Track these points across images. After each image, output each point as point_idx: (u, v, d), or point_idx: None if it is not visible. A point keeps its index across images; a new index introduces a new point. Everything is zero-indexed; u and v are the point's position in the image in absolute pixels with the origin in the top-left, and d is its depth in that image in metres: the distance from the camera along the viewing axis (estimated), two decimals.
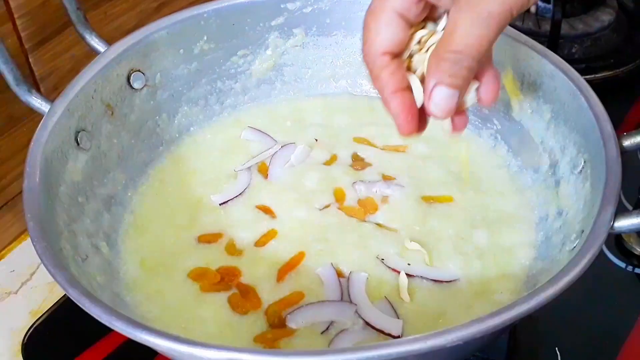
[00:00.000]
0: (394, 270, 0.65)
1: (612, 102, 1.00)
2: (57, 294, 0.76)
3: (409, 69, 0.53)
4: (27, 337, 0.72)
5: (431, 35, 0.52)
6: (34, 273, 0.79)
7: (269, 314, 0.62)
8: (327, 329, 0.60)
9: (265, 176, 0.75)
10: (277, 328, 0.61)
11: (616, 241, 0.80)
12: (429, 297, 0.63)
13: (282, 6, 0.79)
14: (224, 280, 0.65)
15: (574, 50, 1.05)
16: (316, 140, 0.79)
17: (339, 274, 0.65)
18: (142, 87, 0.74)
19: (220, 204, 0.72)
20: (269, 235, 0.68)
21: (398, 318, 0.61)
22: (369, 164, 0.76)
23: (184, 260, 0.67)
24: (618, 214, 0.54)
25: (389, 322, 0.60)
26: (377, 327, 0.60)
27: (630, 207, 0.83)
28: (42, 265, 0.53)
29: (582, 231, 0.57)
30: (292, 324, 0.61)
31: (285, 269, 0.65)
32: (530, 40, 0.72)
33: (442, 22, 0.52)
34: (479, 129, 0.79)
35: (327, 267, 0.65)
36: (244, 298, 0.63)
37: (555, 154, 0.69)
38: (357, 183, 0.73)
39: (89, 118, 0.68)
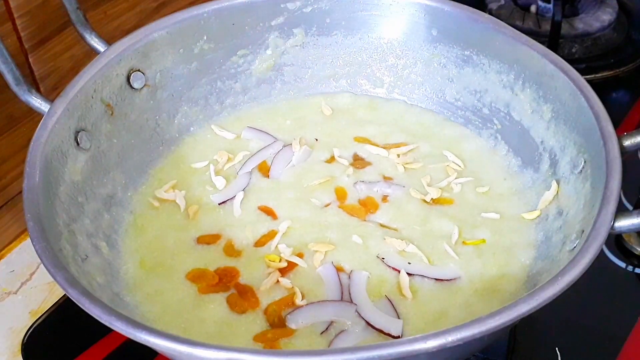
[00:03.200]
0: (394, 269, 0.65)
1: (612, 102, 1.00)
2: (57, 294, 0.76)
3: None
4: (27, 337, 0.72)
5: None
6: (33, 273, 0.79)
7: (268, 314, 0.62)
8: (327, 329, 0.60)
9: (266, 176, 0.75)
10: (276, 327, 0.61)
11: (616, 241, 0.80)
12: (430, 296, 0.63)
13: (282, 6, 0.79)
14: (222, 281, 0.65)
15: (574, 50, 1.05)
16: (317, 139, 0.79)
17: (339, 270, 0.65)
18: (142, 87, 0.74)
19: (219, 204, 0.72)
20: (269, 235, 0.68)
21: (398, 317, 0.61)
22: (369, 163, 0.76)
23: (183, 260, 0.67)
24: (618, 214, 0.54)
25: (388, 321, 0.60)
26: (377, 326, 0.60)
27: (630, 207, 0.83)
28: (42, 265, 0.53)
29: (582, 231, 0.57)
30: (292, 324, 0.61)
31: (285, 269, 0.65)
32: (530, 40, 0.72)
33: None
34: (479, 129, 0.79)
35: (327, 266, 0.65)
36: (241, 298, 0.63)
37: (556, 154, 0.69)
38: (357, 183, 0.73)
39: (88, 118, 0.68)
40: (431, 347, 0.45)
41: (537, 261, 0.65)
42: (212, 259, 0.67)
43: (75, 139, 0.66)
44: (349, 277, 0.64)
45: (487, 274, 0.65)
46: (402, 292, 0.63)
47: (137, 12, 0.88)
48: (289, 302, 0.62)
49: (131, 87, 0.73)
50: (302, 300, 0.62)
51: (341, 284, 0.64)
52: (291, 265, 0.66)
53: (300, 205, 0.71)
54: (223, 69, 0.81)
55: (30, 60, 0.77)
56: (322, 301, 0.62)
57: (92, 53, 0.72)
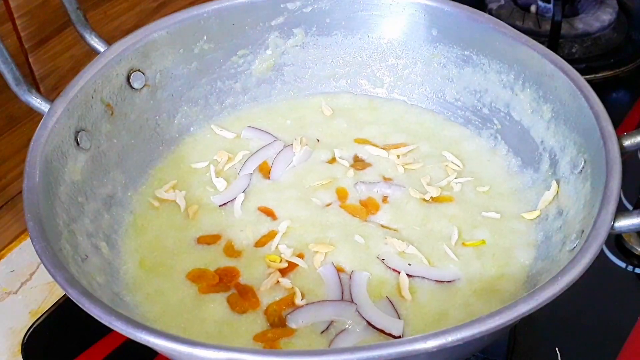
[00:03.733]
0: (394, 270, 0.65)
1: (612, 102, 1.00)
2: (57, 294, 0.76)
3: None
4: (27, 337, 0.72)
5: None
6: (33, 273, 0.79)
7: (268, 314, 0.62)
8: (327, 328, 0.60)
9: (267, 176, 0.75)
10: (277, 327, 0.61)
11: (616, 241, 0.80)
12: (430, 297, 0.63)
13: (282, 6, 0.79)
14: (223, 281, 0.65)
15: (574, 50, 1.05)
16: (318, 140, 0.79)
17: (340, 270, 0.65)
18: (142, 87, 0.74)
19: (220, 205, 0.72)
20: (269, 235, 0.68)
21: (399, 318, 0.61)
22: (370, 165, 0.76)
23: (183, 260, 0.67)
24: (618, 213, 0.54)
25: (389, 322, 0.60)
26: (378, 326, 0.60)
27: (630, 207, 0.83)
28: (42, 265, 0.53)
29: (582, 231, 0.57)
30: (292, 324, 0.61)
31: (286, 269, 0.65)
32: (530, 40, 0.72)
33: None
34: (479, 129, 0.79)
35: (328, 266, 0.65)
36: (242, 298, 0.63)
37: (556, 154, 0.69)
38: (358, 184, 0.73)
39: (88, 118, 0.68)
40: (431, 347, 0.45)
41: (537, 261, 0.65)
42: (213, 259, 0.67)
43: (75, 139, 0.66)
44: (350, 277, 0.64)
45: (486, 275, 0.65)
46: (402, 293, 0.63)
47: (137, 12, 0.88)
48: (289, 302, 0.62)
49: (131, 87, 0.73)
50: (302, 300, 0.62)
51: (341, 284, 0.64)
52: (291, 266, 0.65)
53: (300, 205, 0.71)
54: (223, 69, 0.81)
55: (30, 60, 0.77)
56: (322, 301, 0.62)
57: (92, 53, 0.72)
